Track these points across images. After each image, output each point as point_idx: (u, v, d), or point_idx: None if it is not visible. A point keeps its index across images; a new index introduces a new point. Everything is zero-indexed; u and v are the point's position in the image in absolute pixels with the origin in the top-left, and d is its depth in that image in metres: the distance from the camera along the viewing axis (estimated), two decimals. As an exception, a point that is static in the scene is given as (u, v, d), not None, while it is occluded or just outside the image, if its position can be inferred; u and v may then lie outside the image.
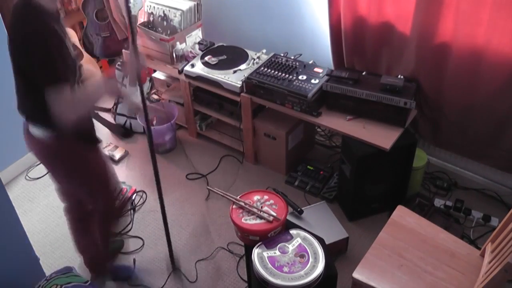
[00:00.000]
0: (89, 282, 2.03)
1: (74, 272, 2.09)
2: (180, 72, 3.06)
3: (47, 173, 3.14)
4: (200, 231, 2.69)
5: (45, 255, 2.60)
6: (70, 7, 3.83)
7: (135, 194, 2.94)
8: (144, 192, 2.97)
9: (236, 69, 2.92)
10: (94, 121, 2.16)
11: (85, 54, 3.73)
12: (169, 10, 3.13)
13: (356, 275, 1.85)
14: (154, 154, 2.14)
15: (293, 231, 1.87)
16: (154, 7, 3.17)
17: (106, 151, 3.24)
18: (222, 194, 2.03)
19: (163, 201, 2.28)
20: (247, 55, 3.02)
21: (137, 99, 2.01)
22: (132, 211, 2.84)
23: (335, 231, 2.46)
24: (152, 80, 3.51)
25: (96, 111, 3.62)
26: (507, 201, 2.70)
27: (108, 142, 3.34)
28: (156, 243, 2.65)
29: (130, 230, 2.73)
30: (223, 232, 2.68)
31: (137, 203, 2.90)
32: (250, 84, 2.76)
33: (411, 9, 2.42)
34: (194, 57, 3.12)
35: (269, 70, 2.77)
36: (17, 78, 1.84)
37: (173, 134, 3.27)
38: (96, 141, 2.04)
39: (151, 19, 3.23)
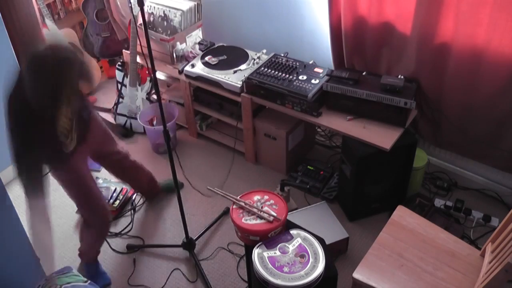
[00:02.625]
0: (88, 281, 2.03)
1: (74, 272, 2.09)
2: (181, 72, 3.06)
3: (47, 173, 3.13)
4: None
5: (45, 255, 2.60)
6: (70, 7, 3.83)
7: (135, 194, 2.94)
8: (144, 192, 2.97)
9: (236, 69, 2.92)
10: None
11: (85, 54, 3.74)
12: (169, 10, 3.13)
13: (356, 275, 1.85)
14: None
15: (293, 231, 1.87)
16: (154, 7, 3.17)
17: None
18: (222, 194, 2.03)
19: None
20: (247, 55, 3.02)
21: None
22: (132, 211, 2.84)
23: (335, 231, 2.46)
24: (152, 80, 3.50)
25: (97, 111, 3.62)
26: (507, 201, 2.70)
27: (108, 142, 3.33)
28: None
29: (130, 230, 2.73)
30: (223, 232, 2.68)
31: (137, 203, 2.90)
32: (250, 84, 2.76)
33: (411, 9, 2.42)
34: (194, 57, 3.12)
35: (269, 70, 2.77)
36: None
37: (173, 135, 3.27)
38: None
39: (152, 19, 3.23)
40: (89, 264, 2.48)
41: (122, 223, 2.78)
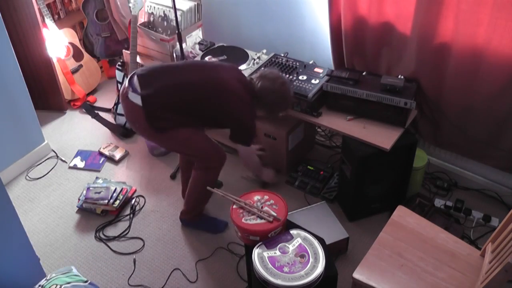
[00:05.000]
0: (88, 281, 2.03)
1: (74, 272, 2.09)
2: (180, 72, 3.06)
3: (47, 173, 3.14)
4: (200, 231, 2.69)
5: (45, 255, 2.60)
6: (70, 7, 3.83)
7: (135, 194, 2.94)
8: (143, 193, 2.97)
9: (236, 69, 2.92)
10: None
11: (85, 54, 3.74)
12: (169, 10, 3.13)
13: (357, 275, 1.85)
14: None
15: (293, 231, 1.87)
16: (154, 7, 3.17)
17: (106, 151, 3.24)
18: (222, 194, 2.03)
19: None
20: (247, 56, 3.02)
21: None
22: (130, 209, 2.83)
23: (335, 231, 2.46)
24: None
25: (96, 111, 3.63)
26: (507, 201, 2.70)
27: (108, 142, 3.34)
28: (156, 243, 2.65)
29: (128, 232, 2.73)
30: (223, 232, 2.68)
31: (137, 203, 2.89)
32: (250, 84, 2.76)
33: (411, 9, 2.42)
34: (194, 57, 3.12)
35: (269, 70, 2.77)
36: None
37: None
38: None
39: (152, 19, 3.23)
40: (201, 219, 2.69)
41: (121, 226, 2.78)
